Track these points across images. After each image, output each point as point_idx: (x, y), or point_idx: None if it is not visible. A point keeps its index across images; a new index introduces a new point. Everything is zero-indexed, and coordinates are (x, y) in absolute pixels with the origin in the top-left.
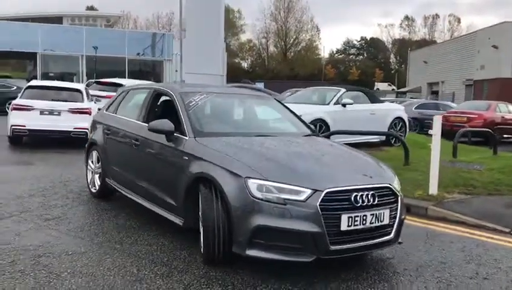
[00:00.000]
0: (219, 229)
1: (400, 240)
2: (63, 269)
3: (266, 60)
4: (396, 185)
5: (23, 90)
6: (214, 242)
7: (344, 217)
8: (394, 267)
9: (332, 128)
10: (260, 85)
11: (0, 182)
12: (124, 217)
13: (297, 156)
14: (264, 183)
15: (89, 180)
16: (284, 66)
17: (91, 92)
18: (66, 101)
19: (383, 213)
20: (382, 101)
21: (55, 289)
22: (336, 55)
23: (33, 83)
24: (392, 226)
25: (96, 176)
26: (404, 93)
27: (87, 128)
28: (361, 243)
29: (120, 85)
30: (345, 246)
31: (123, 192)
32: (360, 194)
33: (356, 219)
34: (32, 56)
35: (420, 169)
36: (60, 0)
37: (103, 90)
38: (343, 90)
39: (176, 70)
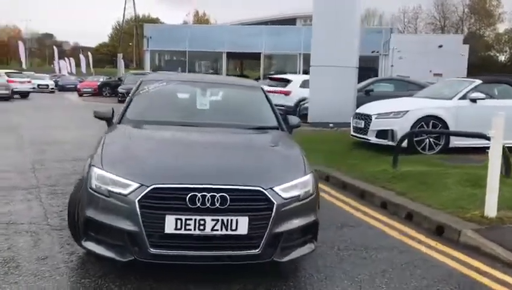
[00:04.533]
0: (75, 216)
1: (280, 259)
2: None
3: None
4: (280, 190)
5: None
6: (73, 228)
7: (170, 219)
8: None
9: (451, 129)
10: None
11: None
12: None
13: (176, 149)
14: (101, 174)
15: None
16: None
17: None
18: None
19: (237, 221)
20: None
21: None
22: None
23: None
24: (259, 239)
25: None
26: None
27: None
28: (200, 252)
29: (288, 81)
30: (170, 252)
31: None
32: (201, 194)
33: (188, 222)
34: (257, 56)
35: None
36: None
37: (272, 86)
38: (477, 82)
39: (392, 65)
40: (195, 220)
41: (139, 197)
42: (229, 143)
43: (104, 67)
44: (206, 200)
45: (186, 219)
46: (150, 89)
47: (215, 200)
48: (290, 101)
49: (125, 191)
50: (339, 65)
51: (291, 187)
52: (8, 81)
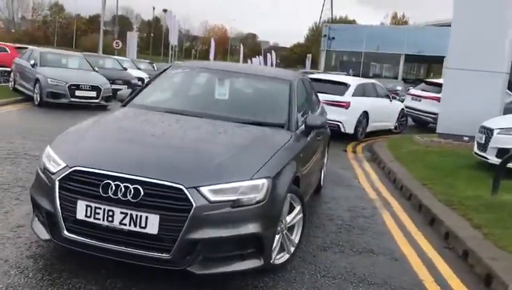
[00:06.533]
0: None
1: (197, 271)
2: None
3: None
4: (208, 191)
5: None
6: None
7: (81, 204)
8: None
9: None
10: None
11: None
12: None
13: (131, 136)
14: (48, 152)
15: None
16: None
17: (414, 91)
18: (326, 93)
19: (146, 218)
20: None
21: None
22: None
23: (313, 76)
24: (171, 243)
25: None
26: None
27: (339, 121)
28: (108, 245)
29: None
30: (82, 239)
31: None
32: (115, 183)
33: (97, 211)
34: (441, 60)
35: None
36: None
37: (426, 91)
38: None
39: None
40: (104, 209)
41: (60, 177)
42: (195, 136)
43: (296, 66)
44: (118, 190)
45: (95, 207)
46: (171, 76)
47: (128, 191)
48: None
49: (53, 170)
50: (483, 69)
51: (227, 190)
52: None
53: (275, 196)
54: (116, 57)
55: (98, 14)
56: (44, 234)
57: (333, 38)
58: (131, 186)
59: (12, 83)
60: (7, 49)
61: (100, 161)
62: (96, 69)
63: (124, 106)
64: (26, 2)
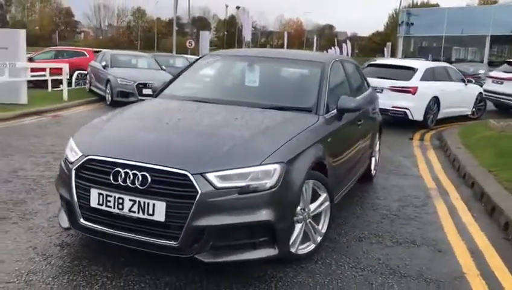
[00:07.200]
0: None
1: (206, 259)
2: None
3: None
4: (215, 177)
5: (363, 67)
6: None
7: (94, 192)
8: None
9: None
10: None
11: None
12: None
13: (148, 124)
14: (71, 143)
15: None
16: None
17: (495, 73)
18: (391, 79)
19: (154, 205)
20: None
21: None
22: None
23: (376, 61)
24: (178, 230)
25: None
26: None
27: (406, 108)
28: (119, 233)
29: None
30: (97, 227)
31: None
32: (124, 171)
33: (109, 199)
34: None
35: None
36: None
37: (508, 72)
38: None
39: None
40: (114, 197)
41: (76, 166)
42: (210, 122)
43: (374, 55)
44: (127, 177)
45: (107, 195)
46: (203, 65)
47: (136, 179)
48: None
49: (72, 159)
50: None
51: (235, 176)
52: None
53: (290, 182)
54: (187, 56)
55: (177, 16)
56: (65, 223)
57: (412, 23)
58: (139, 174)
59: (88, 84)
60: (86, 53)
61: (112, 149)
62: (164, 67)
63: (156, 96)
64: (112, 10)
